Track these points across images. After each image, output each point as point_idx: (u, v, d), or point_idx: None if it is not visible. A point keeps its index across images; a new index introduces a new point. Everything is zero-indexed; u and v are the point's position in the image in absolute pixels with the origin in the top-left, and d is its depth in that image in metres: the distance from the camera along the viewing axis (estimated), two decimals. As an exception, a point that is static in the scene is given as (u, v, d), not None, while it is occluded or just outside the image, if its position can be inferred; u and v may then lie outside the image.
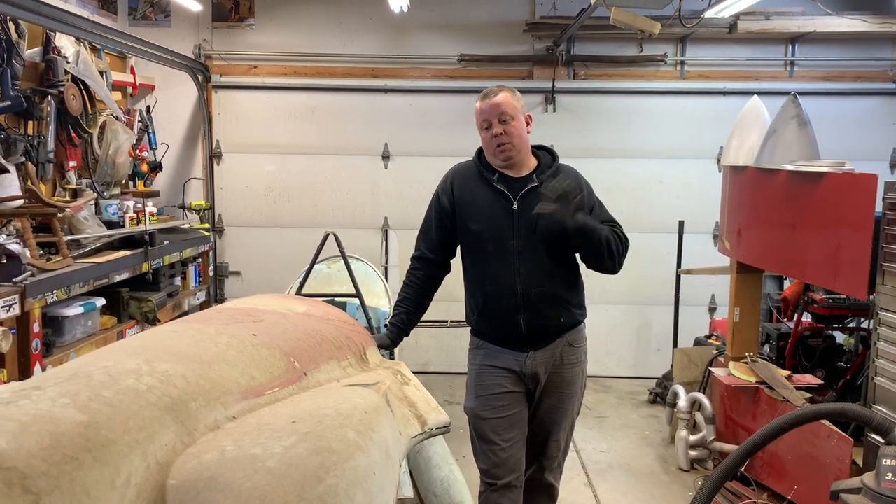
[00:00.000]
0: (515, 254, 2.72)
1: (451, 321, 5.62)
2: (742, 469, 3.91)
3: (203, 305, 5.98)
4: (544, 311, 2.75)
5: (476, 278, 2.84)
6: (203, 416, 1.37)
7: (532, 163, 2.83)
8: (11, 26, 4.17)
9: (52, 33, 4.57)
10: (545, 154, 2.88)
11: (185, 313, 5.55)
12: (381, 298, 4.56)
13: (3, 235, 3.48)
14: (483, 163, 2.85)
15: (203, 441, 1.31)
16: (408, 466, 3.48)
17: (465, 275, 2.92)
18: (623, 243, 2.77)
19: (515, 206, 2.73)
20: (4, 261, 3.36)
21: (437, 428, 2.02)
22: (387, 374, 2.15)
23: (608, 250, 2.69)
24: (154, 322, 4.70)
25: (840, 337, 4.62)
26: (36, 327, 3.56)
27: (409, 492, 3.23)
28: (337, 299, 4.06)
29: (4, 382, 3.20)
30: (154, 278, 4.91)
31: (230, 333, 1.73)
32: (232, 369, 1.56)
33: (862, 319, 4.48)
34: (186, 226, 5.95)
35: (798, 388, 3.93)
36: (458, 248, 2.93)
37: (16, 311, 3.38)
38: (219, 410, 1.42)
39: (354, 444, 1.34)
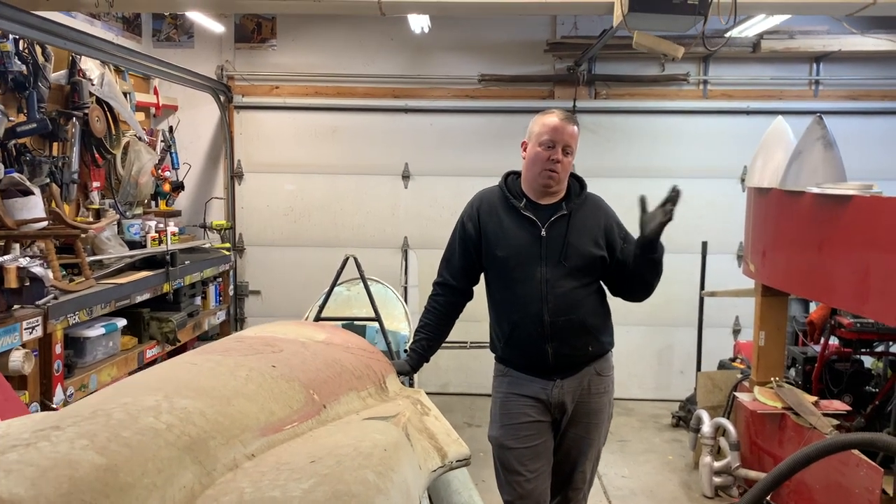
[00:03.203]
0: (543, 281, 2.68)
1: (471, 342, 5.60)
2: (769, 498, 3.83)
3: (223, 325, 6.00)
4: (572, 339, 2.71)
5: (502, 307, 2.79)
6: (222, 454, 1.35)
7: (562, 191, 2.81)
8: (38, 50, 4.24)
9: (78, 56, 4.63)
10: (573, 182, 2.86)
11: (206, 333, 5.57)
12: (401, 322, 4.54)
13: (27, 258, 3.50)
14: (510, 189, 2.82)
15: (221, 482, 1.29)
16: (427, 492, 3.43)
17: (491, 302, 2.87)
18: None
19: (544, 233, 2.71)
20: (28, 284, 3.38)
21: (457, 461, 1.99)
22: (406, 403, 2.12)
23: (658, 274, 2.78)
24: (174, 342, 4.71)
25: (868, 361, 4.53)
26: (58, 349, 3.57)
27: (427, 518, 3.19)
28: (356, 323, 4.05)
29: (26, 404, 3.21)
30: (175, 298, 4.93)
31: (249, 366, 1.72)
32: (251, 404, 1.55)
33: (891, 344, 4.38)
34: (207, 245, 5.98)
35: (825, 415, 3.85)
36: (482, 275, 2.90)
37: (38, 333, 3.40)
38: (238, 448, 1.40)
39: (374, 487, 1.31)
